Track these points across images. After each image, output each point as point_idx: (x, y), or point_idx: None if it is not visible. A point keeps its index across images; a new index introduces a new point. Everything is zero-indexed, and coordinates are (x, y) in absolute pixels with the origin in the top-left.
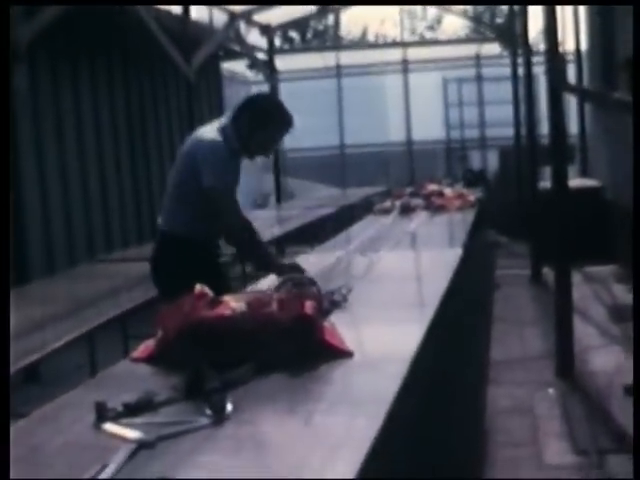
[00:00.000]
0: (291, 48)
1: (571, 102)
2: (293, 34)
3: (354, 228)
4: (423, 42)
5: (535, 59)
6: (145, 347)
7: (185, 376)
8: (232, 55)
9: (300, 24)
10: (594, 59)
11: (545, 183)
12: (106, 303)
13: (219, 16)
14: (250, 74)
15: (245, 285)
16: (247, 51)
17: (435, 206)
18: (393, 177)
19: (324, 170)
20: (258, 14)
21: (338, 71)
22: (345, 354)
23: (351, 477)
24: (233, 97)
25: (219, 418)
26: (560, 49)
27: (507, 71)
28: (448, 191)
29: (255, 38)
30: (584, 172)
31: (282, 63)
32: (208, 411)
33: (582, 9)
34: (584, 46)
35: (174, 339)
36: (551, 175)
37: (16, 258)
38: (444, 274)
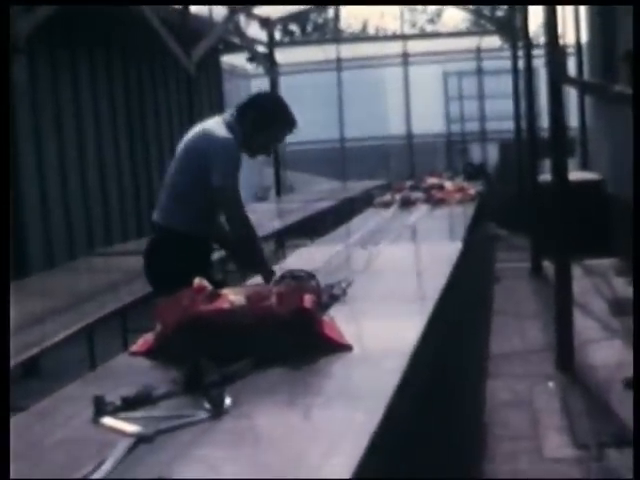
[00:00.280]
0: (291, 41)
1: (571, 95)
2: (293, 27)
3: (354, 221)
4: (423, 35)
5: (535, 52)
6: (144, 341)
7: (184, 370)
8: (232, 48)
9: (300, 17)
10: (594, 52)
11: (545, 176)
12: (106, 297)
13: (219, 9)
14: (250, 67)
15: (244, 279)
16: (247, 44)
17: (435, 199)
18: (393, 170)
19: (324, 163)
20: (258, 7)
21: (338, 64)
22: (344, 348)
23: (350, 472)
24: (233, 90)
25: (218, 412)
26: (560, 42)
27: (507, 64)
28: (448, 184)
29: (255, 31)
30: (584, 165)
31: (282, 56)
32: (207, 405)
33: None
34: (584, 39)
35: (173, 333)
36: (551, 168)
37: (15, 251)
38: (444, 268)
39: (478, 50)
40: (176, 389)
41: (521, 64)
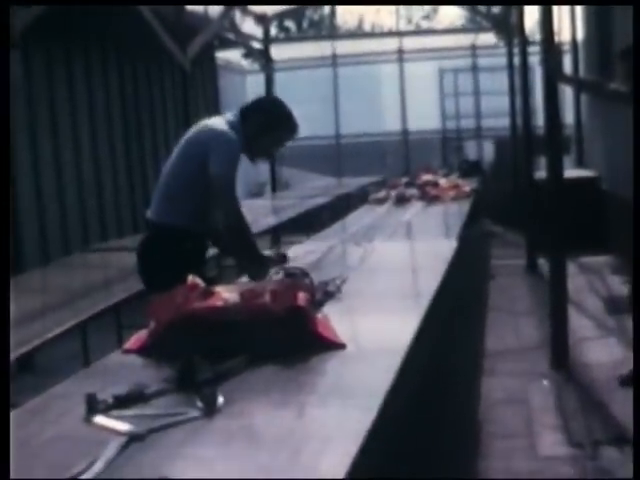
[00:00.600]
0: (287, 37)
1: (567, 92)
2: (289, 23)
3: (349, 218)
4: (419, 32)
5: (531, 49)
6: (137, 338)
7: (176, 368)
8: (227, 44)
9: (296, 14)
10: (590, 49)
11: (541, 173)
12: (100, 293)
13: (214, 5)
14: (245, 63)
15: (239, 275)
16: (242, 40)
17: (430, 196)
18: (388, 167)
19: (319, 160)
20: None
21: (334, 60)
22: (337, 346)
23: (343, 471)
24: (228, 86)
25: (210, 410)
26: (556, 39)
27: (503, 61)
28: (443, 181)
29: (251, 27)
30: (580, 162)
31: (278, 52)
32: (199, 403)
33: None
34: (580, 36)
35: (166, 330)
36: (546, 165)
37: (11, 247)
38: (439, 265)
39: (474, 47)
40: (169, 387)
41: (517, 61)
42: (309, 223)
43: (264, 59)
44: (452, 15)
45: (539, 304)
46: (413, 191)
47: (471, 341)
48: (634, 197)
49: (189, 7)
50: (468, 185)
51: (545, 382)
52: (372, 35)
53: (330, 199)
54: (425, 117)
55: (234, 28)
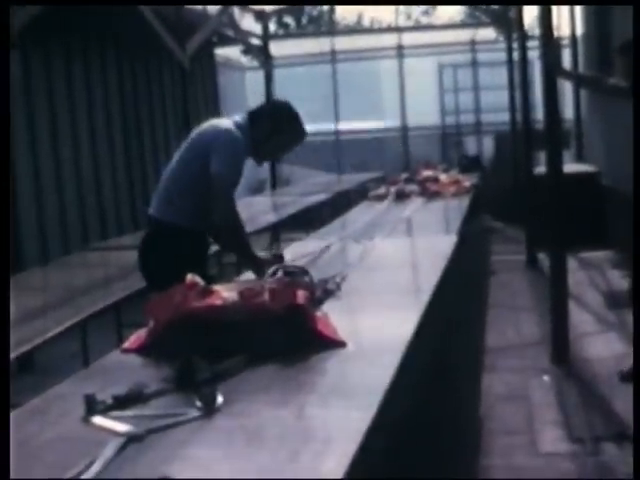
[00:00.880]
0: (286, 34)
1: (567, 87)
2: (288, 20)
3: (349, 215)
4: (418, 27)
5: (530, 44)
6: (136, 338)
7: (176, 367)
8: (226, 41)
9: (295, 10)
10: (589, 44)
11: (540, 168)
12: (100, 291)
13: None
14: (245, 60)
15: (239, 273)
16: (241, 37)
17: (430, 192)
18: (388, 163)
19: (319, 156)
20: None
21: (333, 57)
22: (338, 344)
23: (343, 470)
24: (227, 83)
25: (209, 410)
26: (555, 34)
27: (503, 56)
28: (443, 177)
29: (250, 24)
30: (580, 157)
31: (277, 48)
32: (198, 403)
33: None
34: (579, 31)
35: (165, 330)
36: (546, 160)
37: (11, 246)
38: (439, 261)
39: (473, 42)
40: (168, 387)
41: (516, 56)
42: (309, 220)
43: (263, 55)
44: (451, 10)
45: (539, 299)
46: (413, 187)
47: (471, 337)
48: (634, 192)
49: (188, 5)
50: (468, 180)
51: (546, 378)
52: (371, 31)
53: (330, 195)
54: (424, 113)
55: (233, 25)
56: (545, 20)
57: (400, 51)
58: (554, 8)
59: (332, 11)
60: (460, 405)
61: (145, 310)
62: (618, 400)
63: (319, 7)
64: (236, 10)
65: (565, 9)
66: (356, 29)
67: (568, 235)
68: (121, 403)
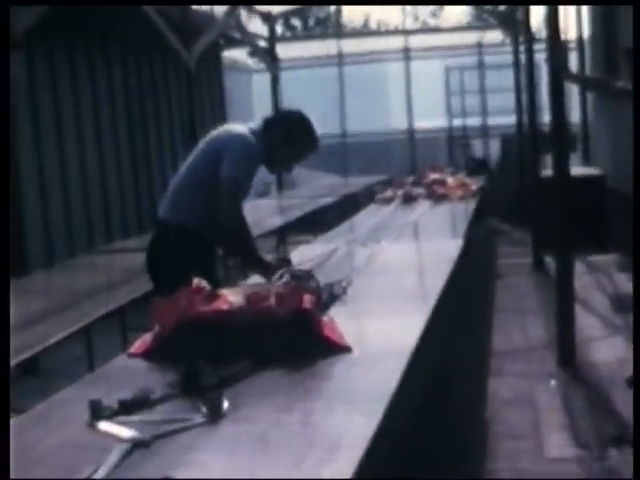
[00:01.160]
0: (293, 36)
1: (573, 90)
2: (295, 22)
3: (355, 218)
4: (425, 30)
5: (537, 47)
6: (142, 342)
7: (181, 372)
8: (233, 43)
9: (302, 12)
10: (596, 47)
11: (547, 171)
12: (105, 295)
13: (219, 5)
14: (251, 62)
15: (245, 276)
16: (248, 39)
17: (437, 195)
18: (395, 166)
19: (326, 158)
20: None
21: (340, 59)
22: (344, 349)
23: (348, 476)
24: (234, 86)
25: (215, 416)
26: (562, 37)
27: (509, 59)
28: (450, 180)
29: (256, 26)
30: (586, 160)
31: (284, 51)
32: (204, 409)
33: None
34: (586, 34)
35: (171, 334)
36: (552, 163)
37: (14, 249)
38: (445, 265)
39: (480, 45)
40: (173, 392)
41: (523, 59)
42: (315, 223)
43: (270, 58)
44: (459, 13)
45: (546, 303)
46: (420, 190)
47: (478, 341)
48: (634, 195)
49: (194, 5)
50: (475, 183)
51: (552, 382)
52: (378, 33)
53: (336, 199)
54: (431, 115)
55: (240, 27)
56: (552, 22)
57: (407, 53)
58: (561, 10)
59: (339, 13)
60: (466, 409)
61: (151, 313)
62: (624, 405)
63: (326, 9)
64: (243, 12)
65: (572, 11)
66: (363, 32)
67: (575, 238)
68: (127, 408)
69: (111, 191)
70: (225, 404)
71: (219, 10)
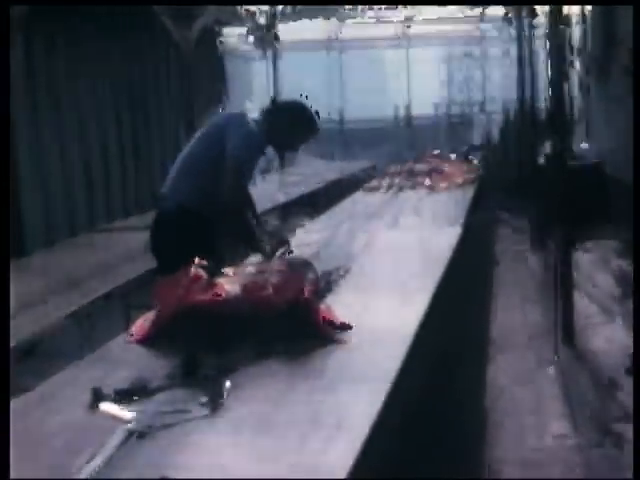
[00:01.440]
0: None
1: (574, 75)
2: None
3: (354, 204)
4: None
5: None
6: (141, 327)
7: (180, 361)
8: (231, 24)
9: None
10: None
11: (545, 153)
12: (107, 274)
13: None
14: (250, 48)
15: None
16: (247, 20)
17: (436, 182)
18: (393, 152)
19: (323, 144)
20: None
21: (339, 45)
22: (344, 327)
23: (352, 457)
24: (233, 71)
25: (215, 405)
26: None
27: (510, 47)
28: (449, 167)
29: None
30: (588, 136)
31: (283, 35)
32: (204, 397)
33: None
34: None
35: (169, 323)
36: (551, 149)
37: (14, 229)
38: (443, 252)
39: (482, 15)
40: (172, 381)
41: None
42: (313, 205)
43: (269, 38)
44: None
45: (545, 290)
46: (418, 177)
47: (476, 328)
48: (634, 184)
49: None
50: (473, 170)
51: (551, 368)
52: (378, 20)
53: (334, 184)
54: (430, 102)
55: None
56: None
57: (407, 40)
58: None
59: None
60: (465, 395)
61: (153, 293)
62: (624, 392)
63: None
64: None
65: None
66: (363, 17)
67: (573, 224)
68: (125, 397)
69: (112, 170)
70: (225, 393)
71: None
